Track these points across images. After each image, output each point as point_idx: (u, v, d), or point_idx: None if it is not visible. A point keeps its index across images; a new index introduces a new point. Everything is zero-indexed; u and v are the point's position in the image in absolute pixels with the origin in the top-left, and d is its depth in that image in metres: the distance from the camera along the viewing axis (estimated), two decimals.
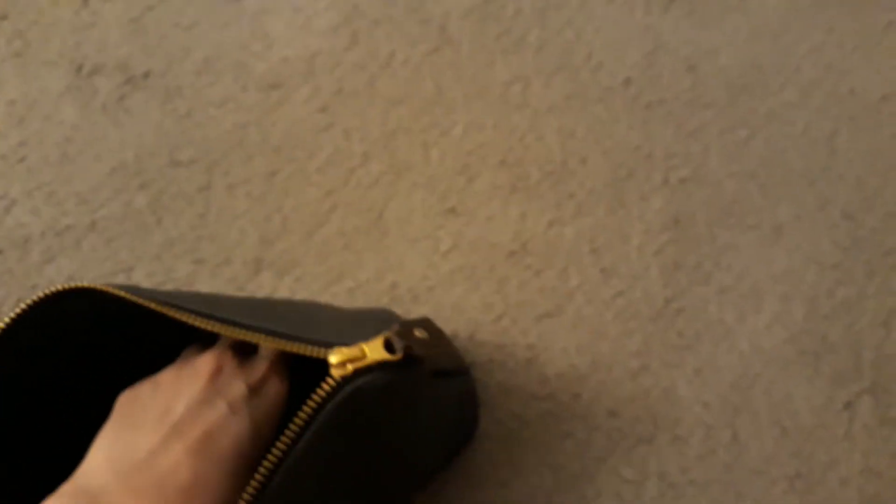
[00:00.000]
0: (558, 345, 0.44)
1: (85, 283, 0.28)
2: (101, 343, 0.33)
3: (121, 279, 0.45)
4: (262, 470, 0.26)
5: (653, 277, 0.45)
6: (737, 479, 0.42)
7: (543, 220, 0.46)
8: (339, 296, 0.45)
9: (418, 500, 0.41)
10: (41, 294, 0.28)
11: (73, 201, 0.47)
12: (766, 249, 0.46)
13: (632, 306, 0.45)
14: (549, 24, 0.51)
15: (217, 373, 0.29)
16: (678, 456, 0.42)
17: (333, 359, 0.27)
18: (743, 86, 0.49)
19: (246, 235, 0.46)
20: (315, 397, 0.26)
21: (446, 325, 0.44)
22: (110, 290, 0.28)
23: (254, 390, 0.29)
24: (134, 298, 0.28)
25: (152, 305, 0.28)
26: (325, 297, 0.45)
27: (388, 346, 0.28)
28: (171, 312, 0.28)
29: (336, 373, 0.27)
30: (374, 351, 0.28)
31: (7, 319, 0.29)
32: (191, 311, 0.28)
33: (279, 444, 0.26)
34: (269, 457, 0.26)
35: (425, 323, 0.37)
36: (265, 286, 0.45)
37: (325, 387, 0.26)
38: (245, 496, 0.25)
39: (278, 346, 0.28)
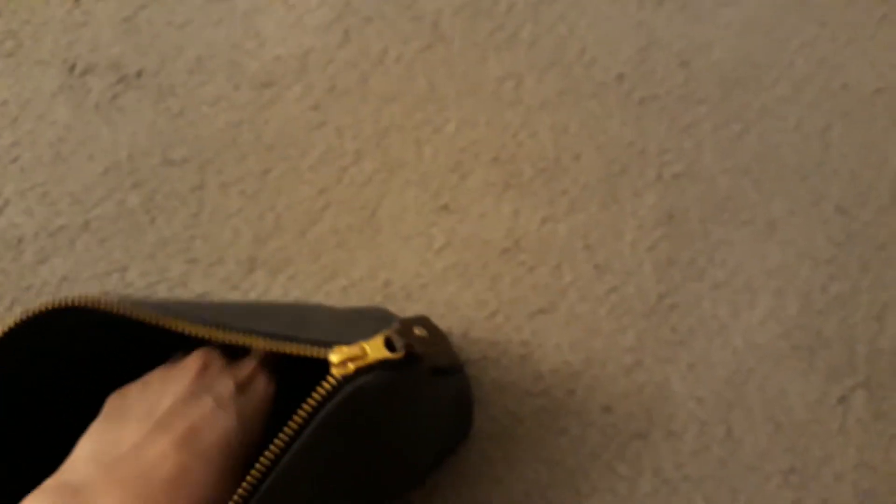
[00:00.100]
0: (552, 341, 0.44)
1: (76, 295, 0.28)
2: (96, 347, 0.33)
3: (115, 279, 0.45)
4: (258, 466, 0.25)
5: (646, 273, 0.45)
6: (731, 475, 0.42)
7: (537, 216, 0.46)
8: (333, 294, 0.45)
9: (414, 498, 0.41)
10: (34, 310, 0.28)
11: (66, 201, 0.47)
12: (759, 245, 0.46)
13: (625, 302, 0.45)
14: (541, 19, 0.51)
15: (204, 369, 0.29)
16: (672, 452, 0.42)
17: (334, 358, 0.27)
18: (736, 80, 0.49)
19: (239, 234, 0.46)
20: (315, 396, 0.26)
21: (440, 323, 0.44)
22: (102, 305, 0.27)
23: (241, 387, 0.29)
24: (131, 313, 0.27)
25: (150, 319, 0.27)
26: (318, 296, 0.45)
27: (389, 345, 0.28)
28: (169, 323, 0.27)
29: (337, 372, 0.26)
30: (374, 349, 0.27)
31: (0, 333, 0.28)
32: (187, 320, 0.27)
33: (276, 442, 0.26)
34: (266, 454, 0.26)
35: (424, 321, 0.37)
36: (259, 285, 0.45)
37: (326, 385, 0.26)
38: (238, 494, 0.25)
39: (277, 348, 0.27)
